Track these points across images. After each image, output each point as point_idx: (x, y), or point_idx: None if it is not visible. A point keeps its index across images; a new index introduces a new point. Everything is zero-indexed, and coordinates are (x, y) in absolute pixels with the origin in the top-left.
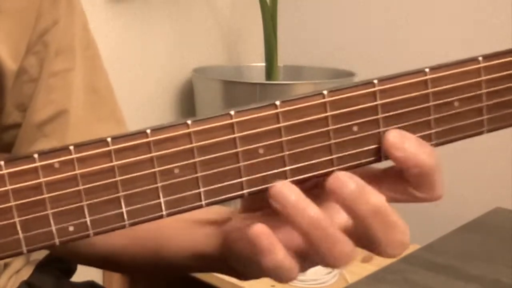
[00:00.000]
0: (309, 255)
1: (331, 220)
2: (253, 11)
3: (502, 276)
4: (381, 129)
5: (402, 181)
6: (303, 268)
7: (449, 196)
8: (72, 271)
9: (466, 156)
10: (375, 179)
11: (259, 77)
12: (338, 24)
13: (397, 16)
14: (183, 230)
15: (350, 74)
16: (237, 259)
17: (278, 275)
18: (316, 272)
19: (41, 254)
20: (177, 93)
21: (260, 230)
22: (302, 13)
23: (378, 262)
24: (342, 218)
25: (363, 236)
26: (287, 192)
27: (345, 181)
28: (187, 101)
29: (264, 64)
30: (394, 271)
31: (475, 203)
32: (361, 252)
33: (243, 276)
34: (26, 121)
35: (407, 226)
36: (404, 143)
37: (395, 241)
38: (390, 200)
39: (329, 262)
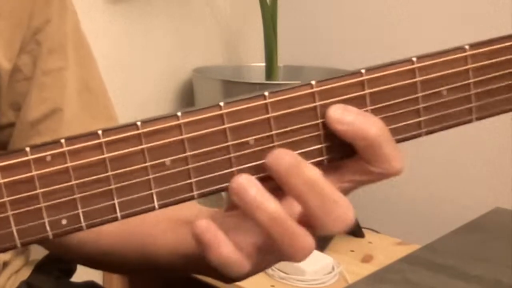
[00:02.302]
0: (270, 250)
1: (290, 215)
2: (253, 11)
3: (502, 276)
4: None
5: (358, 160)
6: (266, 263)
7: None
8: (72, 271)
9: (466, 156)
10: (334, 167)
11: (259, 77)
12: (338, 24)
13: (397, 16)
14: (168, 230)
15: None
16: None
17: (227, 270)
18: (316, 272)
19: (40, 254)
20: (177, 93)
21: (204, 226)
22: (302, 13)
23: (378, 262)
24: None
25: (304, 215)
26: (247, 186)
27: (282, 156)
28: (187, 101)
29: (264, 64)
30: (394, 271)
31: (475, 203)
32: (361, 252)
33: (227, 276)
34: (20, 119)
35: (347, 202)
36: (346, 117)
37: (334, 215)
38: (356, 184)
39: (290, 256)
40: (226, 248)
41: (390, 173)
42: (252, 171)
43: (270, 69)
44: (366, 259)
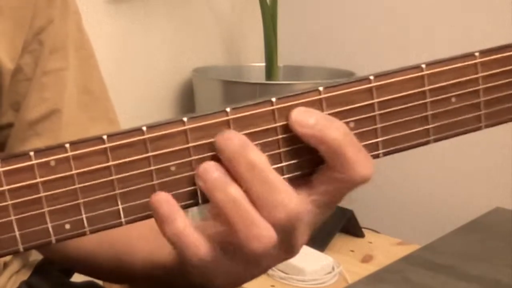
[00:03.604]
0: (230, 239)
1: (250, 203)
2: (253, 11)
3: (502, 276)
4: (378, 125)
5: (325, 169)
6: (231, 257)
7: (449, 196)
8: (71, 271)
9: (466, 156)
10: (305, 181)
11: (259, 77)
12: (338, 24)
13: (397, 16)
14: (146, 238)
15: (350, 74)
16: (190, 270)
17: (181, 248)
18: (316, 272)
19: (40, 255)
20: (177, 93)
21: (161, 198)
22: (302, 13)
23: (378, 262)
24: None
25: (249, 198)
26: (209, 169)
27: (230, 137)
28: (187, 101)
29: (264, 64)
30: (394, 271)
31: (475, 203)
32: (361, 252)
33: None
34: (18, 119)
35: (290, 189)
36: (308, 120)
37: (274, 200)
38: (329, 195)
39: (247, 244)
40: (182, 222)
41: (355, 179)
42: None
43: (270, 69)
44: (366, 259)
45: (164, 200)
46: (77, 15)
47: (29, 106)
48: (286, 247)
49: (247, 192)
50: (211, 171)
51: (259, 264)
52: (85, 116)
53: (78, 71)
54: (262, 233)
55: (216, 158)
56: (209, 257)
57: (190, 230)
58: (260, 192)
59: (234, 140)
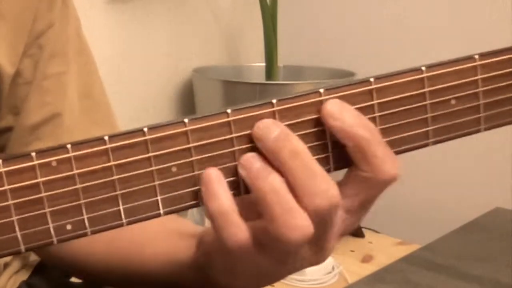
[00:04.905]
0: (267, 229)
1: (290, 192)
2: (253, 11)
3: (502, 276)
4: (378, 127)
5: (353, 170)
6: (263, 249)
7: (449, 196)
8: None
9: (466, 156)
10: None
11: (259, 77)
12: (338, 24)
13: (397, 16)
14: (159, 238)
15: (350, 74)
16: (217, 267)
17: (221, 227)
18: (316, 272)
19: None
20: (177, 93)
21: (213, 173)
22: (302, 13)
23: (378, 262)
24: None
25: (291, 188)
26: (253, 159)
27: (270, 125)
28: (187, 101)
29: (264, 64)
30: (394, 271)
31: (475, 203)
32: (361, 252)
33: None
34: (19, 123)
35: (330, 180)
36: (341, 113)
37: (316, 187)
38: (355, 199)
39: (285, 234)
40: (229, 201)
41: (380, 177)
42: None
43: (270, 69)
44: (366, 259)
45: (216, 176)
46: (77, 21)
47: (29, 110)
48: (317, 248)
49: (288, 180)
50: (253, 160)
51: (286, 262)
52: (88, 120)
53: (79, 76)
54: (299, 223)
55: (226, 155)
56: (244, 242)
57: (235, 211)
58: (303, 179)
59: (275, 128)
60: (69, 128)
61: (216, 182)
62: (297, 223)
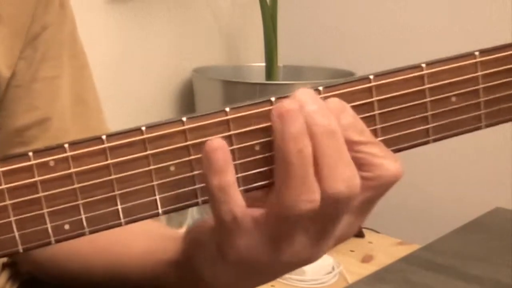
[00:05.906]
0: (274, 202)
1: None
2: (253, 11)
3: (502, 276)
4: (378, 125)
5: None
6: (261, 228)
7: (449, 196)
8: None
9: (466, 156)
10: None
11: (259, 77)
12: (338, 24)
13: (396, 16)
14: (143, 236)
15: (350, 74)
16: (205, 254)
17: (220, 202)
18: (316, 272)
19: None
20: (177, 93)
21: (220, 143)
22: (302, 13)
23: (378, 262)
24: None
25: (315, 163)
26: (295, 115)
27: (313, 97)
28: (187, 101)
29: (264, 64)
30: (394, 271)
31: (475, 203)
32: (361, 252)
33: (210, 284)
34: (5, 125)
35: (356, 170)
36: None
37: (342, 172)
38: (359, 199)
39: (294, 201)
40: (233, 176)
41: (383, 176)
42: (256, 176)
43: (270, 69)
44: (366, 259)
45: (221, 148)
46: (73, 23)
47: (17, 112)
48: (315, 238)
49: (316, 156)
50: (296, 117)
51: (280, 246)
52: (79, 126)
53: (72, 81)
54: (312, 197)
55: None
56: (242, 218)
57: (236, 187)
58: (332, 160)
59: (318, 101)
60: (57, 133)
61: (221, 154)
62: (310, 197)
